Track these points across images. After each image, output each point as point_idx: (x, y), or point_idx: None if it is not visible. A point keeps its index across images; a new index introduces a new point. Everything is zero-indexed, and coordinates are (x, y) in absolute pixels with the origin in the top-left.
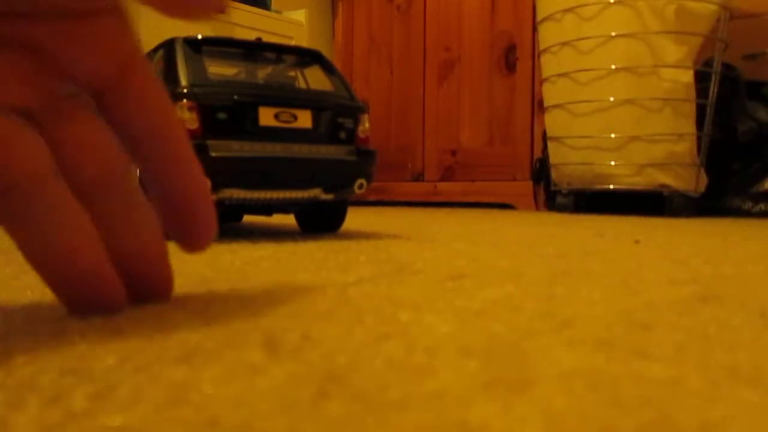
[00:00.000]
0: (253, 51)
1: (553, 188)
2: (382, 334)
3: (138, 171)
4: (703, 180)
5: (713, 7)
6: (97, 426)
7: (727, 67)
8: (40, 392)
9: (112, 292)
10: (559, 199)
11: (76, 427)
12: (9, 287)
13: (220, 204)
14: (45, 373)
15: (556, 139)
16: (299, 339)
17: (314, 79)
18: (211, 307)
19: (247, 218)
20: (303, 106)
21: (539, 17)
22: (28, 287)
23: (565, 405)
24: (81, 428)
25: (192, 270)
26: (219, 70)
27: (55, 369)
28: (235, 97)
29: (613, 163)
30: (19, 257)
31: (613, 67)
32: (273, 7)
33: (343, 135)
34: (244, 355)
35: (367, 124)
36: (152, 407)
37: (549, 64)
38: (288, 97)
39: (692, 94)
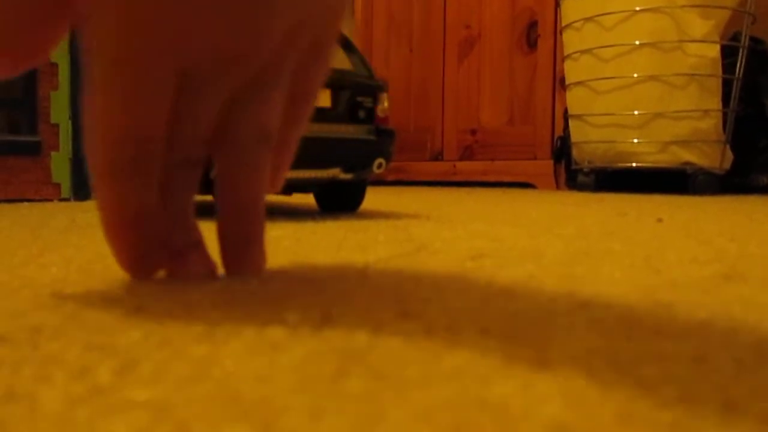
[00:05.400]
0: None
1: (574, 167)
2: (401, 313)
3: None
4: (729, 157)
5: None
6: (122, 400)
7: (755, 41)
8: (66, 366)
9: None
10: (581, 178)
11: (101, 401)
12: (35, 264)
13: None
14: (70, 347)
15: (578, 116)
16: (319, 317)
17: (333, 57)
18: (233, 286)
19: (267, 197)
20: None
21: None
22: (53, 264)
23: (585, 384)
24: (106, 402)
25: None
26: None
27: (80, 344)
28: None
29: (636, 140)
30: (44, 234)
31: (637, 42)
32: None
33: (362, 114)
34: (264, 332)
35: (386, 103)
36: (175, 382)
37: (571, 41)
38: None
39: (718, 69)
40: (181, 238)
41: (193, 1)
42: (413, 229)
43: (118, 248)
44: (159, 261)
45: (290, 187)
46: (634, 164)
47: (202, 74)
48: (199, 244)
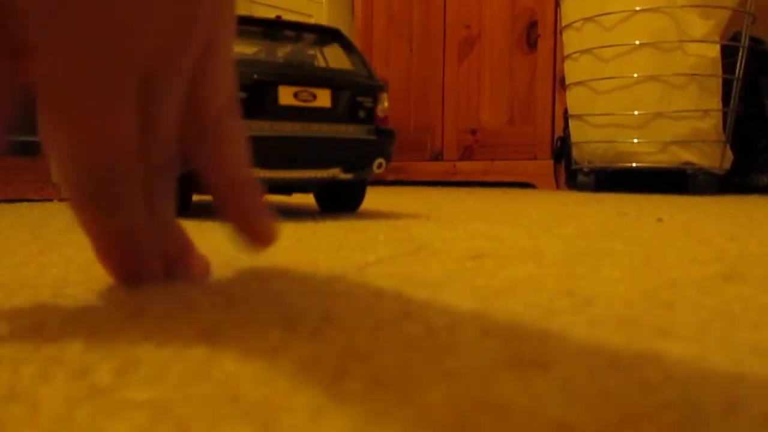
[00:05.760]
0: (272, 29)
1: (574, 167)
2: (401, 313)
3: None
4: (729, 157)
5: None
6: (122, 400)
7: (755, 41)
8: (66, 366)
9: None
10: (581, 178)
11: (102, 401)
12: (36, 264)
13: None
14: (71, 347)
15: (578, 116)
16: (319, 317)
17: (334, 57)
18: (232, 287)
19: (267, 197)
20: (322, 85)
21: None
22: (54, 264)
23: (585, 384)
24: (106, 402)
25: (212, 249)
26: (239, 48)
27: (80, 344)
28: (255, 76)
29: (635, 140)
30: (45, 234)
31: (637, 42)
32: None
33: (362, 114)
34: (264, 333)
35: (386, 103)
36: (175, 383)
37: (571, 41)
38: (307, 76)
39: (718, 69)
40: (175, 242)
41: (133, 9)
42: (413, 229)
43: (112, 268)
44: (154, 271)
45: (290, 187)
46: (634, 164)
47: (159, 76)
48: (191, 245)
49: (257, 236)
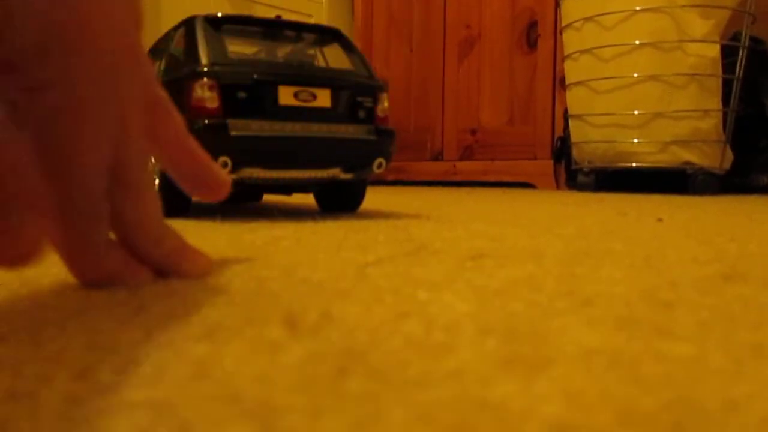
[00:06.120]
0: (272, 29)
1: (574, 167)
2: (401, 313)
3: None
4: (729, 157)
5: None
6: (123, 400)
7: (755, 41)
8: (66, 366)
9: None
10: (581, 178)
11: (102, 401)
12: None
13: (239, 183)
14: (72, 347)
15: (578, 116)
16: (319, 317)
17: (334, 57)
18: (232, 286)
19: (267, 197)
20: (322, 84)
21: None
22: (54, 263)
23: (585, 383)
24: (107, 402)
25: (212, 249)
26: (239, 48)
27: (81, 343)
28: (255, 75)
29: (635, 140)
30: None
31: (637, 42)
32: None
33: (362, 114)
34: (264, 332)
35: (386, 103)
36: (176, 382)
37: (571, 40)
38: (307, 76)
39: (718, 69)
40: (172, 234)
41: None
42: (413, 229)
43: (81, 276)
44: (120, 274)
45: (290, 187)
46: (634, 164)
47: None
48: (186, 241)
49: (212, 188)
